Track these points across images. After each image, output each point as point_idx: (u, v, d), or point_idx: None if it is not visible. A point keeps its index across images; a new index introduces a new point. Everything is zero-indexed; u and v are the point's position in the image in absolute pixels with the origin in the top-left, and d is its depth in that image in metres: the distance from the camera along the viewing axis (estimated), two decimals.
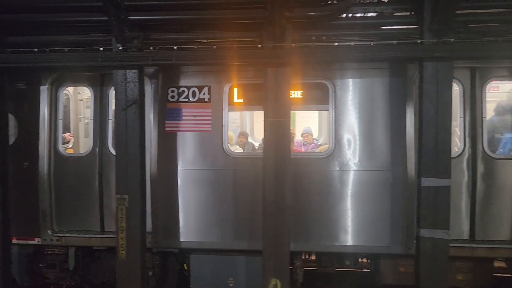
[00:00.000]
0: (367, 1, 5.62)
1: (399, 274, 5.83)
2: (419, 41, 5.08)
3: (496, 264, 6.12)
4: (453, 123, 5.65)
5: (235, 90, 6.01)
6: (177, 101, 5.97)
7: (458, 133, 5.94)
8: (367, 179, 5.80)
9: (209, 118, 5.93)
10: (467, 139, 5.73)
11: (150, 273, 6.04)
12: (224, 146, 5.95)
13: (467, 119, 5.74)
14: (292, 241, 5.46)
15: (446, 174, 5.03)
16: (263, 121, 5.36)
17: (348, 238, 5.82)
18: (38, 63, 5.37)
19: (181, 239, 5.98)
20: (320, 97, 5.94)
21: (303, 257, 6.21)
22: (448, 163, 5.06)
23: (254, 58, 5.33)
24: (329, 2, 5.35)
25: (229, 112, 6.03)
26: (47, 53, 5.31)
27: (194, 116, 5.94)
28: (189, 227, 5.98)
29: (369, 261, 6.20)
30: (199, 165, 5.96)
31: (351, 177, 5.82)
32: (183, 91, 5.97)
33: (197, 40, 5.51)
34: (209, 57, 5.29)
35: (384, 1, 5.61)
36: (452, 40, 4.97)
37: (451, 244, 5.37)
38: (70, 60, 5.33)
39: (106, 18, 5.14)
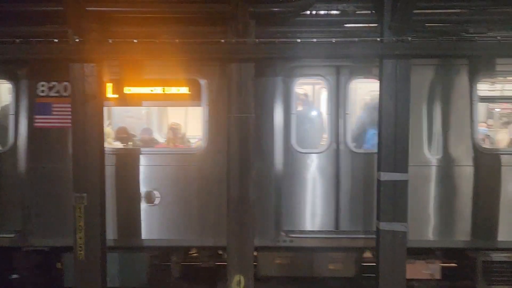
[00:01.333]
0: None
1: (276, 266, 6.03)
2: (379, 39, 5.20)
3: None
4: (322, 119, 6.18)
5: (109, 86, 5.93)
6: (47, 95, 5.86)
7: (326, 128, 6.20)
8: None
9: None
10: (332, 135, 6.00)
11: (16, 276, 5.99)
12: None
13: (333, 115, 5.98)
14: (168, 236, 5.85)
15: (404, 168, 5.20)
16: (227, 117, 5.32)
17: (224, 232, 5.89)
18: None
19: (54, 237, 5.87)
20: (194, 93, 5.98)
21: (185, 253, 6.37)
22: (406, 158, 5.23)
23: (217, 53, 5.28)
24: None
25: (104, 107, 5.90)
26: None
27: (66, 111, 5.72)
28: (61, 225, 5.83)
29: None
30: (68, 162, 5.68)
31: (224, 173, 5.87)
32: (54, 86, 5.86)
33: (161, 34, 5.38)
34: (172, 51, 5.18)
35: None
36: (410, 38, 5.13)
37: (319, 236, 5.85)
38: (23, 52, 5.06)
39: (62, 8, 4.94)
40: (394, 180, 5.14)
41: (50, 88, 5.86)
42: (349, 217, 5.99)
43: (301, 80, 6.19)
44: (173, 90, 6.00)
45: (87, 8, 4.99)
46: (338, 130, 6.00)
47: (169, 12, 5.15)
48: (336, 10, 5.68)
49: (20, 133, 5.86)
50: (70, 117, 5.54)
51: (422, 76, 5.90)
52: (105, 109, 5.81)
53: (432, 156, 5.94)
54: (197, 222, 5.93)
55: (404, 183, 5.20)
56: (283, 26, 5.54)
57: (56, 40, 5.10)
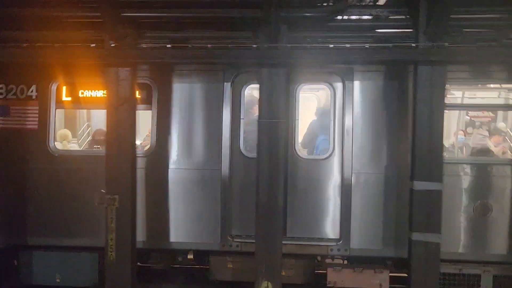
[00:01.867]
0: (363, 4, 5.61)
1: (228, 270, 5.99)
2: (413, 45, 5.08)
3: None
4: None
5: (64, 89, 6.11)
6: (5, 98, 6.06)
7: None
8: (186, 177, 5.96)
9: (36, 115, 6.02)
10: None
11: None
12: (49, 143, 6.02)
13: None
14: None
15: (438, 177, 5.05)
16: (257, 122, 5.31)
17: (174, 235, 5.97)
18: (27, 58, 5.25)
19: (11, 236, 6.06)
20: (145, 97, 6.04)
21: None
22: (440, 166, 5.08)
23: (249, 58, 5.29)
24: (324, 4, 5.34)
25: (58, 110, 6.17)
26: (37, 49, 5.18)
27: (22, 113, 6.02)
28: (16, 223, 6.04)
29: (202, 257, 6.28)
30: (24, 162, 6.00)
31: (172, 175, 5.96)
32: (12, 88, 6.05)
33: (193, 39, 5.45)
34: (204, 56, 5.24)
35: (380, 4, 5.61)
36: (447, 44, 4.99)
37: None
38: (62, 57, 5.21)
39: (99, 14, 5.06)
40: (428, 190, 5.00)
41: (8, 91, 6.08)
42: (294, 223, 5.94)
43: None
44: None
45: (122, 14, 5.10)
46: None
47: (201, 17, 5.20)
48: (369, 15, 5.59)
49: None
50: (27, 118, 6.01)
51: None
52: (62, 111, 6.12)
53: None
54: (146, 224, 5.98)
55: (439, 192, 5.05)
56: (314, 31, 5.49)
57: (93, 45, 5.21)
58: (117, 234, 5.11)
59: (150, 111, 6.12)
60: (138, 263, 6.27)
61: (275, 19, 4.98)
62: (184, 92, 6.00)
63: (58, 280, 6.07)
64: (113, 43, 5.16)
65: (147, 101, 6.03)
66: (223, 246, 5.90)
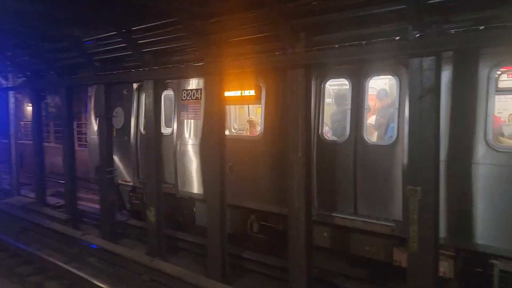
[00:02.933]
0: None
1: (324, 238, 6.97)
2: None
3: None
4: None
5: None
6: (185, 99, 8.89)
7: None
8: (281, 157, 7.07)
9: (200, 110, 8.57)
10: (352, 128, 6.56)
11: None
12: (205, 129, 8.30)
13: (353, 110, 6.59)
14: (248, 200, 7.79)
15: None
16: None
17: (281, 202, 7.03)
18: (340, 57, 5.87)
19: (190, 190, 8.83)
20: (257, 95, 7.67)
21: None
22: None
23: None
24: None
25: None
26: (346, 48, 5.69)
27: (193, 109, 8.77)
28: (193, 182, 8.79)
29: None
30: (193, 141, 8.77)
31: (273, 152, 7.39)
32: (189, 93, 8.83)
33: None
34: None
35: None
36: None
37: (340, 215, 6.69)
38: (369, 52, 5.57)
39: (403, 6, 5.09)
40: None
41: (187, 95, 8.84)
42: (364, 202, 6.49)
43: None
44: (246, 92, 7.78)
45: (428, 2, 4.94)
46: (358, 124, 6.64)
47: None
48: None
49: (174, 122, 9.18)
50: (194, 113, 8.79)
51: None
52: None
53: None
54: (257, 189, 7.62)
55: None
56: None
57: (397, 38, 5.30)
58: (419, 226, 5.05)
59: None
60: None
61: None
62: (281, 89, 7.06)
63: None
64: (417, 33, 5.08)
65: (259, 98, 7.61)
66: (314, 216, 6.57)
